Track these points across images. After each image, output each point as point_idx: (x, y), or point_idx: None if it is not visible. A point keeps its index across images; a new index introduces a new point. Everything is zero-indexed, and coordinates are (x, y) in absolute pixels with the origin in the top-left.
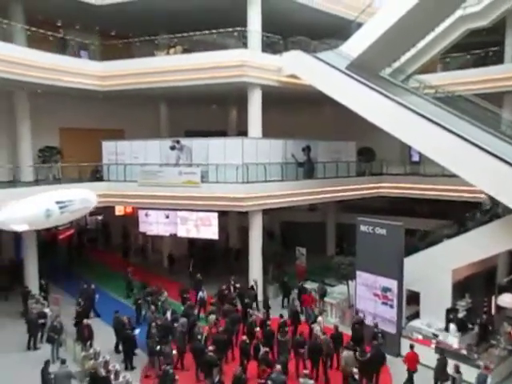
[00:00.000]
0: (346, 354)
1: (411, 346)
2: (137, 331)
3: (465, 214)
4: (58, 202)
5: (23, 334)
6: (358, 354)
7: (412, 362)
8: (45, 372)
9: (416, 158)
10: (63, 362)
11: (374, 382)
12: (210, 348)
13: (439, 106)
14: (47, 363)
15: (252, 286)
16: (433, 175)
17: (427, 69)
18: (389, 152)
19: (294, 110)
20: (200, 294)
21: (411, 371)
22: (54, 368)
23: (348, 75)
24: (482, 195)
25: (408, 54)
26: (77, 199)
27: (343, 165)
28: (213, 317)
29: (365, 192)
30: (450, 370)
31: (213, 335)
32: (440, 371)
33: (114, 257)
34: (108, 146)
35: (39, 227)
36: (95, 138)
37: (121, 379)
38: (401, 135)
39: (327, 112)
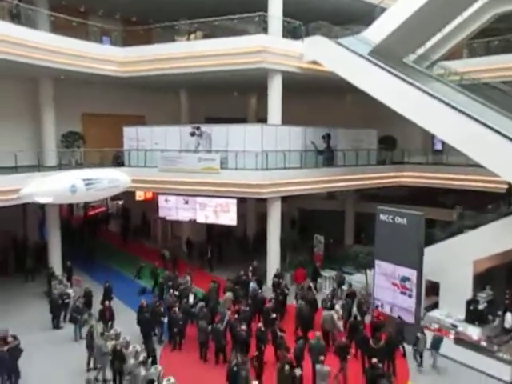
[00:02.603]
0: (325, 313)
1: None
2: (165, 319)
3: (488, 204)
4: (84, 179)
5: (48, 314)
6: (372, 341)
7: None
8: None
9: (439, 146)
10: (117, 336)
11: (391, 369)
12: (243, 327)
13: (464, 94)
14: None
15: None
16: (456, 165)
17: (453, 55)
18: (411, 141)
19: (315, 97)
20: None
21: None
22: (76, 347)
23: (370, 61)
24: (507, 186)
25: (433, 40)
26: (105, 178)
27: (363, 153)
28: (230, 294)
29: (385, 181)
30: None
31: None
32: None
33: (134, 242)
34: (129, 132)
35: (64, 201)
36: (116, 123)
37: (141, 358)
38: (424, 123)
39: (348, 99)
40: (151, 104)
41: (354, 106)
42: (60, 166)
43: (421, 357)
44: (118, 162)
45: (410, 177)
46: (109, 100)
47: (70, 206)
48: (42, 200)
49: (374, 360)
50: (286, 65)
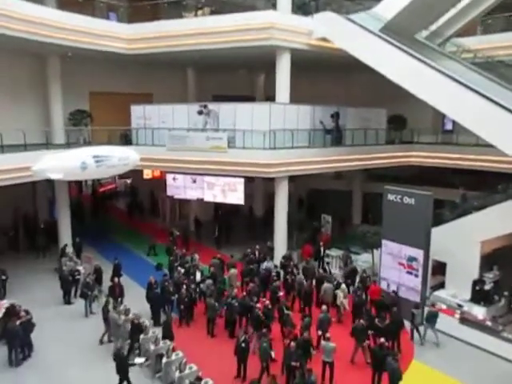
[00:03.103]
0: (325, 285)
1: (374, 281)
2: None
3: (497, 185)
4: (94, 156)
5: (59, 290)
6: (377, 320)
7: (375, 293)
8: (104, 310)
9: (449, 126)
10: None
11: (396, 346)
12: (259, 305)
13: (478, 72)
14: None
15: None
16: (466, 145)
17: (466, 31)
18: (421, 120)
19: (324, 75)
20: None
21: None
22: (86, 321)
23: (381, 38)
24: None
25: (446, 16)
26: (115, 156)
27: (372, 132)
28: (234, 270)
29: (393, 161)
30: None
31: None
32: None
33: (143, 220)
34: (136, 110)
35: (75, 178)
36: (124, 102)
37: (150, 334)
38: (435, 102)
39: (358, 78)
40: (158, 82)
41: (364, 85)
42: (68, 145)
43: (417, 331)
44: (126, 139)
45: (418, 157)
46: (116, 78)
47: (79, 184)
48: (53, 176)
49: (382, 339)
50: (294, 42)
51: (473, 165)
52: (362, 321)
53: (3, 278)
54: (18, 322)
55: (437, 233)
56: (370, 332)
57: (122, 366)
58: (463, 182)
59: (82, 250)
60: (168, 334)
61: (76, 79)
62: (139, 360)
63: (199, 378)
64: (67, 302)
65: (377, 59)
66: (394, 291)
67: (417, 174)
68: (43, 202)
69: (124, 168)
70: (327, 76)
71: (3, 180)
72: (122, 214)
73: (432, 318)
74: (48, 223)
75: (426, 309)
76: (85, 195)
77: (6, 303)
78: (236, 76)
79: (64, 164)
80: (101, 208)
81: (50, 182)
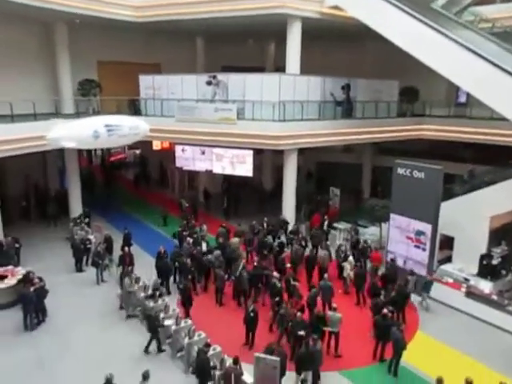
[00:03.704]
0: (320, 252)
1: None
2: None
3: (509, 160)
4: (106, 126)
5: (71, 258)
6: (383, 293)
7: (376, 260)
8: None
9: (463, 99)
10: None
11: (401, 317)
12: (275, 274)
13: (495, 43)
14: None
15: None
16: (479, 118)
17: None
18: (434, 92)
19: (335, 46)
20: None
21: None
22: (98, 289)
23: (395, 5)
24: None
25: None
26: (126, 125)
27: (383, 105)
28: (236, 239)
29: (404, 134)
30: None
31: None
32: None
33: (152, 190)
34: (145, 80)
35: (87, 147)
36: (132, 71)
37: (160, 302)
38: (449, 74)
39: (370, 48)
40: (167, 52)
41: (376, 55)
42: (78, 114)
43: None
44: (135, 109)
45: (430, 130)
46: (124, 47)
47: (89, 154)
48: (66, 145)
49: (385, 310)
50: (306, 10)
51: (486, 139)
52: (381, 297)
53: (17, 246)
54: (31, 289)
55: (446, 207)
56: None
57: (153, 325)
58: (475, 156)
59: (90, 218)
60: (187, 300)
61: (84, 48)
62: (168, 322)
63: (208, 345)
64: (79, 269)
65: (390, 28)
66: (391, 259)
67: (427, 147)
68: (53, 171)
69: (134, 138)
70: (339, 46)
71: (14, 149)
72: (130, 184)
73: (428, 286)
74: (58, 193)
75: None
76: (94, 166)
77: (21, 270)
78: (246, 46)
79: (77, 133)
80: (110, 178)
81: (59, 152)
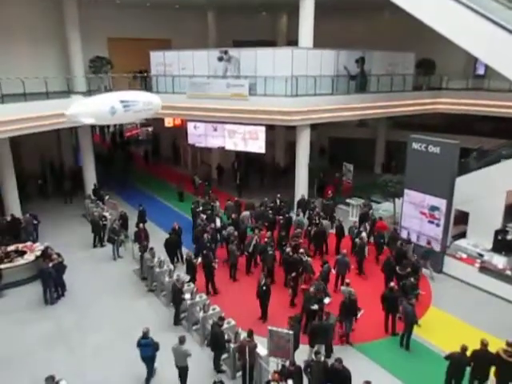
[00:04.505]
0: (325, 222)
1: (380, 218)
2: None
3: None
4: (122, 101)
5: (87, 234)
6: (398, 268)
7: (381, 228)
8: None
9: (481, 71)
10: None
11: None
12: (302, 250)
13: None
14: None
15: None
16: (497, 90)
17: None
18: (451, 64)
19: (349, 18)
20: None
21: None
22: (113, 265)
23: None
24: None
25: None
26: (141, 100)
27: (399, 78)
28: (247, 213)
29: (420, 108)
30: None
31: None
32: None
33: (165, 167)
34: (156, 57)
35: (104, 122)
36: (143, 47)
37: (175, 277)
38: (467, 45)
39: (385, 19)
40: (177, 27)
41: (391, 26)
42: (90, 92)
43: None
44: (145, 86)
45: (447, 103)
46: (134, 24)
47: (102, 131)
48: (85, 120)
49: (392, 284)
50: None
51: (504, 112)
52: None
53: (35, 222)
54: (50, 264)
55: (461, 182)
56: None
57: (177, 297)
58: (492, 130)
59: (101, 194)
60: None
61: (94, 25)
62: (187, 296)
63: (222, 318)
64: (98, 245)
65: None
66: (394, 228)
67: (444, 121)
68: (68, 149)
69: (148, 113)
70: (353, 18)
71: (35, 127)
72: (141, 160)
73: (427, 254)
74: (73, 170)
75: None
76: (107, 142)
77: (39, 246)
78: (257, 20)
79: (95, 109)
80: (122, 155)
81: (73, 130)
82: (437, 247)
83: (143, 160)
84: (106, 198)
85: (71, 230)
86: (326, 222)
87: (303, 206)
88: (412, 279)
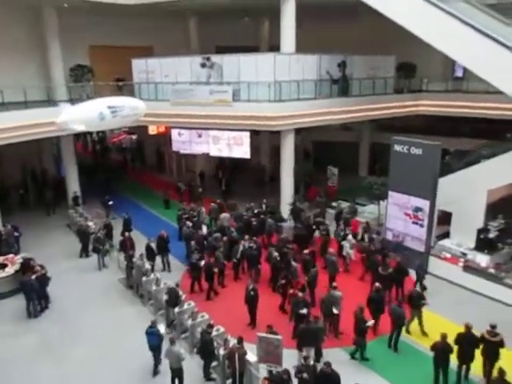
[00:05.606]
0: (284, 224)
1: (352, 217)
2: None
3: (507, 133)
4: (110, 107)
5: (72, 245)
6: (380, 268)
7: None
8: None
9: (460, 73)
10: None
11: (400, 294)
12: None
13: (491, 15)
14: None
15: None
16: (476, 92)
17: None
18: (431, 67)
19: (331, 23)
20: None
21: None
22: (98, 275)
23: None
24: None
25: None
26: (127, 106)
27: (380, 81)
28: (226, 215)
29: (402, 110)
30: None
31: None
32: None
33: (149, 175)
34: (138, 64)
35: (94, 128)
36: (125, 55)
37: (162, 285)
38: (444, 48)
39: (366, 24)
40: (159, 34)
41: (372, 31)
42: (71, 101)
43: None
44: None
45: (427, 105)
46: (116, 31)
47: (85, 140)
48: (76, 127)
49: (377, 284)
50: None
51: (482, 113)
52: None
53: (16, 234)
54: (33, 277)
55: (443, 183)
56: None
57: (174, 299)
58: (473, 131)
59: (79, 204)
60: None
61: (75, 33)
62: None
63: (211, 326)
64: (86, 255)
65: (383, 2)
66: (366, 222)
67: (426, 123)
68: (50, 158)
69: (135, 117)
70: (335, 23)
71: (13, 137)
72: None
73: (397, 247)
74: (55, 179)
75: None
76: (90, 151)
77: (19, 258)
78: (240, 25)
79: (84, 115)
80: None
81: (55, 139)
82: (421, 248)
83: (123, 167)
84: (110, 203)
85: (55, 241)
86: (286, 225)
87: (295, 214)
88: (418, 289)
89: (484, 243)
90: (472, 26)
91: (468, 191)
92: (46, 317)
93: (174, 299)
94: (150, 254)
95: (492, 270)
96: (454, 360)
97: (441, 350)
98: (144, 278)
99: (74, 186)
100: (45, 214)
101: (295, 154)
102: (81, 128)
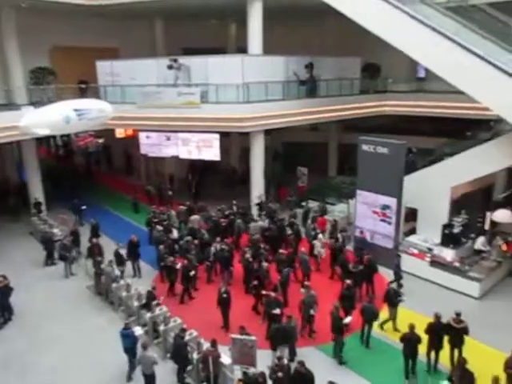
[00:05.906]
0: (252, 224)
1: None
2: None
3: (468, 132)
4: (76, 110)
5: (37, 253)
6: (351, 265)
7: (321, 224)
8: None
9: (422, 74)
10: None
11: (370, 290)
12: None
13: (450, 17)
14: None
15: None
16: (437, 92)
17: None
18: (395, 68)
19: (297, 24)
20: None
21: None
22: (66, 283)
23: None
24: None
25: None
26: (94, 108)
27: (347, 82)
28: (196, 217)
29: (368, 111)
30: None
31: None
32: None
33: (117, 179)
34: (103, 67)
35: (59, 132)
36: (89, 57)
37: (133, 291)
38: (406, 49)
39: (332, 26)
40: (125, 35)
41: (338, 33)
42: (32, 104)
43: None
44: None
45: (392, 106)
46: (79, 32)
47: (48, 144)
48: (40, 131)
49: (348, 281)
50: None
51: (444, 112)
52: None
53: None
54: None
55: (409, 180)
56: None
57: (149, 303)
58: (436, 130)
59: (41, 211)
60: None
61: (35, 34)
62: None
63: (184, 330)
64: (51, 263)
65: (346, 4)
66: (334, 219)
67: (392, 123)
68: (11, 164)
69: (102, 120)
70: (301, 25)
71: None
72: (97, 173)
73: (361, 243)
74: (17, 185)
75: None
76: (54, 155)
77: None
78: (207, 27)
79: (49, 119)
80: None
81: (16, 144)
82: (390, 244)
83: (87, 171)
84: (83, 207)
85: (19, 249)
86: (253, 224)
87: (267, 214)
88: (394, 286)
89: (449, 238)
90: (430, 27)
91: (432, 188)
92: (10, 328)
93: (151, 303)
94: (120, 260)
95: (457, 264)
96: (422, 351)
97: (409, 340)
98: (114, 285)
99: (36, 192)
100: (7, 221)
101: (265, 155)
102: (45, 132)
